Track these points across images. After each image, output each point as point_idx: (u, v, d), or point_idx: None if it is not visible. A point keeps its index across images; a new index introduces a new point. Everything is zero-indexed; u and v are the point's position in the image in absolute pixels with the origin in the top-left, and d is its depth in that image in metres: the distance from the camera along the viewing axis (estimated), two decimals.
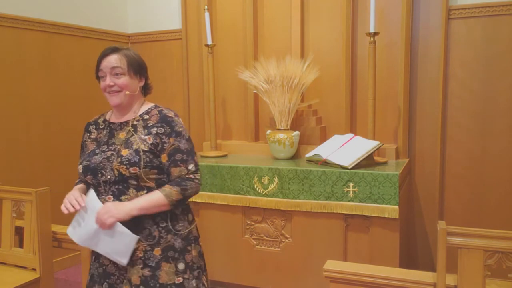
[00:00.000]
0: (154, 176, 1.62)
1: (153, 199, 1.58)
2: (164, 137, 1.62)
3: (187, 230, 1.71)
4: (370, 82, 2.80)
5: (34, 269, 2.36)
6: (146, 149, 1.59)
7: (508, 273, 1.57)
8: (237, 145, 3.37)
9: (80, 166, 1.65)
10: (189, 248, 1.70)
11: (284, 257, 2.79)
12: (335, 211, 2.61)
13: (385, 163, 2.80)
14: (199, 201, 2.93)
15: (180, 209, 1.70)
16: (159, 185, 1.63)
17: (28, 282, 2.28)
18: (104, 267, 1.67)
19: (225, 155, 3.25)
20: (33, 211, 2.35)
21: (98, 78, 1.68)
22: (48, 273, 2.39)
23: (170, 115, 1.67)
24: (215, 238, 2.96)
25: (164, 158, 1.62)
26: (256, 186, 2.79)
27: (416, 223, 3.12)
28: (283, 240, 2.80)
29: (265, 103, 3.09)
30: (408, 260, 3.09)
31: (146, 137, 1.62)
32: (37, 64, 3.17)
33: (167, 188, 1.61)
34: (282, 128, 3.00)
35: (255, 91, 3.15)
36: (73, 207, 1.58)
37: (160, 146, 1.61)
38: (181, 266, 1.66)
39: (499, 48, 2.86)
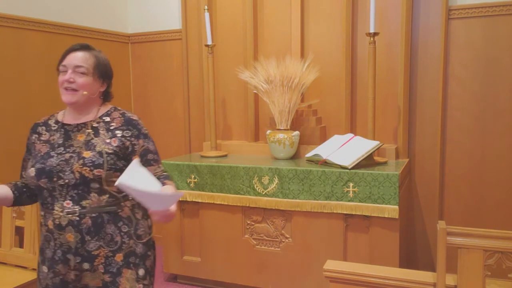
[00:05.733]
0: (116, 179, 1.57)
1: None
2: (133, 139, 1.61)
3: (148, 235, 1.68)
4: (370, 82, 2.80)
5: (34, 269, 2.35)
6: (110, 152, 1.55)
7: (508, 273, 1.58)
8: (237, 145, 3.37)
9: (33, 169, 1.53)
10: (149, 253, 1.67)
11: (284, 257, 2.79)
12: (335, 211, 2.61)
13: (385, 163, 2.80)
14: (199, 201, 2.94)
15: (140, 214, 1.65)
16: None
17: (28, 282, 2.27)
18: (61, 277, 1.56)
19: (225, 155, 3.25)
20: (33, 211, 2.34)
21: (59, 71, 1.59)
22: None
23: (134, 118, 1.66)
24: (215, 238, 2.97)
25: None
26: (256, 186, 2.79)
27: (416, 223, 3.12)
28: (283, 240, 2.80)
29: (265, 103, 3.09)
30: (408, 260, 3.09)
31: (111, 140, 1.58)
32: (37, 64, 3.17)
33: (168, 182, 1.60)
34: (282, 128, 3.00)
35: (255, 91, 3.15)
36: None
37: (130, 148, 1.60)
38: (141, 272, 1.63)
39: (499, 48, 2.86)
